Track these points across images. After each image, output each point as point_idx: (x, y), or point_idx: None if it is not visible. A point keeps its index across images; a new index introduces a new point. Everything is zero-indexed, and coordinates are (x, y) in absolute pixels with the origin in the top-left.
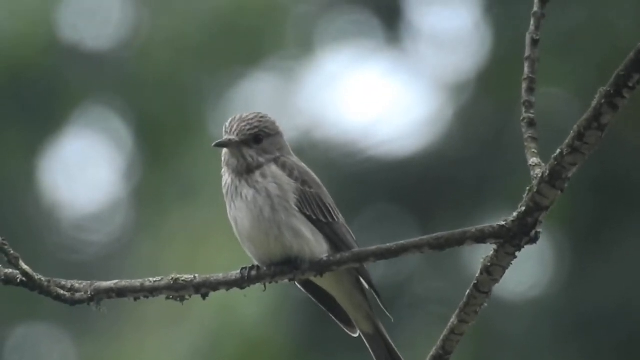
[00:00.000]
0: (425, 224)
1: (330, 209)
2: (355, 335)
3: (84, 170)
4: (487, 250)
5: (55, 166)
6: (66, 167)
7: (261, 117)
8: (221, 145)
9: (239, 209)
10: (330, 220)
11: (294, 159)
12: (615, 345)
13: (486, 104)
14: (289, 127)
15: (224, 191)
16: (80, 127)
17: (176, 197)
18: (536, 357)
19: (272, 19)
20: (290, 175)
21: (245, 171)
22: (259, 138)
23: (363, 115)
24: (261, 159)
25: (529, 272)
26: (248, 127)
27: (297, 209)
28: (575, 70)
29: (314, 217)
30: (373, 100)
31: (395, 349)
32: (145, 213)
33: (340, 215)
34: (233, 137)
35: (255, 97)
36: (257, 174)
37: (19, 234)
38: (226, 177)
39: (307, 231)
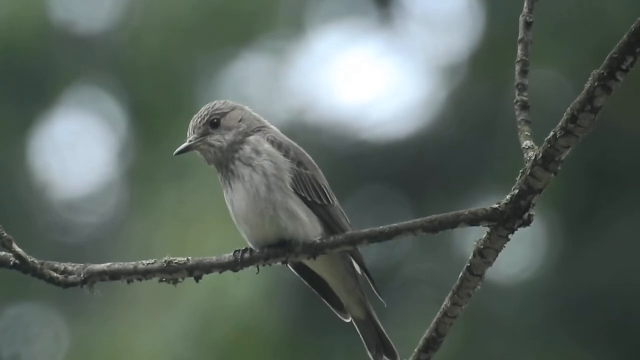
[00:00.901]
0: (419, 206)
1: (326, 191)
2: (348, 321)
3: (76, 151)
4: (479, 231)
5: (47, 146)
6: (58, 147)
7: (208, 104)
8: (182, 151)
9: (235, 190)
10: (325, 202)
11: (285, 137)
12: (607, 327)
13: (479, 86)
14: (280, 109)
15: (220, 180)
16: (72, 108)
17: (169, 178)
18: (527, 339)
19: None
20: (286, 155)
21: (225, 156)
22: (214, 122)
23: (355, 97)
24: (228, 137)
25: (520, 254)
26: (199, 119)
27: (292, 189)
28: (568, 51)
29: (309, 199)
30: (365, 81)
31: (386, 334)
32: (137, 194)
33: (335, 198)
34: (190, 137)
35: (247, 78)
36: (248, 149)
37: (10, 215)
38: (220, 171)
39: (302, 213)
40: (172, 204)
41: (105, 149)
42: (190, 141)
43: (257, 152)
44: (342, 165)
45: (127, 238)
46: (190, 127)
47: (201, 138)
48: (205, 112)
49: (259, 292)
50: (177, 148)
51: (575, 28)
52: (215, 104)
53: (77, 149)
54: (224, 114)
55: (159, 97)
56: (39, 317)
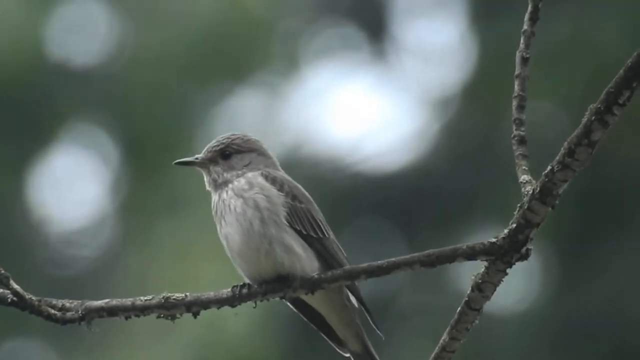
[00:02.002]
0: (413, 239)
1: (321, 224)
2: (347, 355)
3: (72, 186)
4: (475, 264)
5: (43, 182)
6: (54, 182)
7: (233, 134)
8: (183, 164)
9: (229, 223)
10: (321, 235)
11: (282, 173)
12: (604, 357)
13: (472, 117)
14: (275, 143)
15: (213, 212)
16: (68, 143)
17: (163, 211)
18: None
19: (257, 34)
20: (281, 189)
21: (214, 187)
22: (225, 154)
23: (349, 130)
24: (227, 175)
25: (516, 286)
26: (215, 144)
27: (287, 223)
28: (562, 83)
29: (305, 232)
30: (359, 115)
31: None
32: (132, 227)
33: (330, 232)
34: (198, 156)
35: (242, 113)
36: (242, 181)
37: (7, 250)
38: (214, 197)
39: (298, 247)
40: (167, 236)
41: (101, 183)
42: (195, 158)
43: (251, 185)
44: (337, 198)
45: (123, 271)
46: (206, 147)
47: (206, 163)
48: (224, 140)
49: (255, 325)
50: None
51: (570, 59)
52: (237, 137)
53: (72, 184)
54: (238, 152)
55: (153, 131)
56: (34, 351)
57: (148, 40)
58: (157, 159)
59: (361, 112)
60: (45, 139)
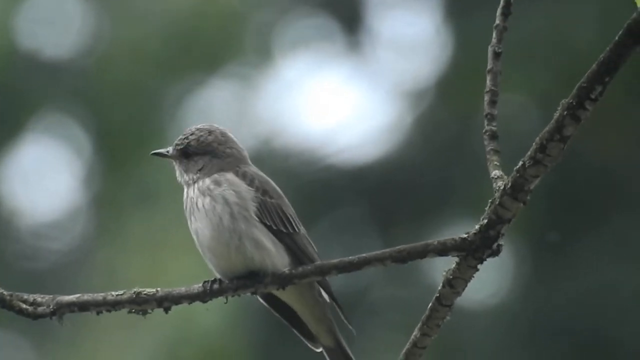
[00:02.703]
0: (387, 231)
1: (292, 219)
2: (319, 350)
3: (43, 178)
4: (447, 258)
5: (13, 173)
6: (24, 174)
7: (195, 130)
8: (156, 154)
9: (198, 219)
10: (291, 230)
11: (253, 168)
12: (574, 353)
13: (446, 111)
14: (248, 135)
15: (184, 206)
16: (39, 135)
17: (135, 204)
18: None
19: (230, 26)
20: (251, 184)
21: (184, 184)
22: (186, 153)
23: (323, 122)
24: (186, 177)
25: (487, 280)
26: (178, 141)
27: (257, 218)
28: (535, 78)
29: (275, 228)
30: (333, 107)
31: None
32: (103, 220)
33: (301, 226)
34: (170, 150)
35: (214, 105)
36: (208, 181)
37: None
38: (185, 191)
39: (268, 242)
40: (139, 230)
41: (72, 176)
42: (167, 151)
43: (218, 183)
44: (309, 190)
45: (94, 264)
46: (176, 139)
47: (174, 157)
48: (184, 140)
49: (226, 320)
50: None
51: (542, 54)
52: (193, 138)
53: (43, 176)
54: (195, 154)
55: (126, 123)
56: (6, 346)
57: (121, 33)
58: (129, 152)
59: (335, 104)
60: (16, 131)
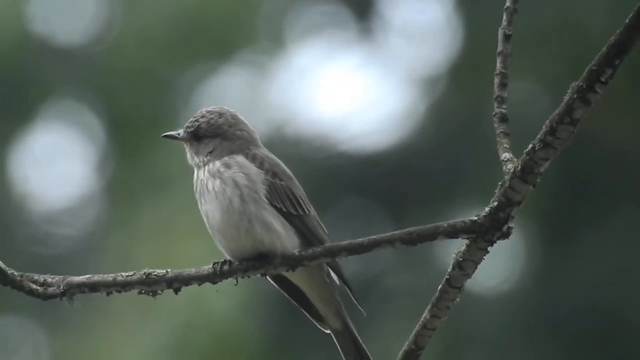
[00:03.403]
0: (398, 218)
1: (301, 201)
2: (328, 332)
3: (56, 163)
4: (458, 243)
5: (26, 159)
6: (37, 160)
7: (206, 112)
8: (167, 137)
9: (208, 201)
10: (301, 212)
11: (263, 150)
12: (586, 338)
13: (458, 97)
14: (260, 122)
15: (194, 188)
16: (52, 120)
17: (148, 191)
18: (506, 350)
19: (243, 12)
20: (261, 166)
21: (195, 166)
22: (197, 135)
23: (335, 109)
24: (196, 159)
25: (499, 266)
26: (189, 124)
27: (267, 201)
28: (546, 63)
29: (285, 210)
30: (345, 94)
31: (364, 346)
32: (116, 206)
33: (311, 208)
34: (181, 132)
35: (227, 91)
36: (218, 164)
37: None
38: (195, 173)
39: (278, 224)
40: (151, 216)
41: (84, 162)
42: (178, 134)
43: (227, 166)
44: (321, 177)
45: (106, 250)
46: (187, 122)
47: (185, 140)
48: (195, 122)
49: (237, 303)
50: (168, 132)
51: (554, 40)
52: (204, 120)
53: (56, 162)
54: (205, 136)
55: (138, 110)
56: (18, 329)
57: (134, 19)
58: (141, 138)
59: (347, 91)
60: (29, 116)
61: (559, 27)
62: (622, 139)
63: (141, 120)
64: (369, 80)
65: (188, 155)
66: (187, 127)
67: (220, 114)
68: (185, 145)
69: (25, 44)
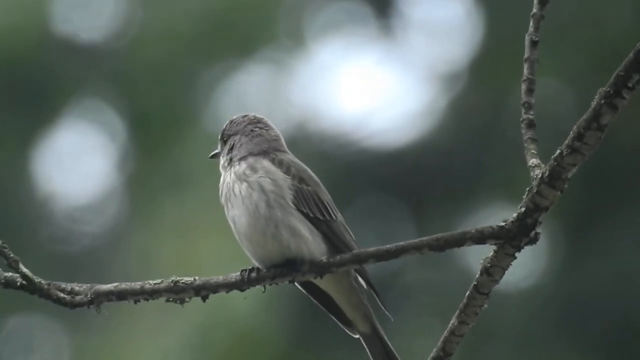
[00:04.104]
0: (419, 215)
1: (328, 206)
2: (356, 337)
3: (77, 162)
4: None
5: (48, 157)
6: (59, 158)
7: (230, 119)
8: (213, 157)
9: (235, 206)
10: (328, 218)
11: (289, 155)
12: (607, 335)
13: (479, 93)
14: (281, 119)
15: (220, 192)
16: (74, 119)
17: (169, 188)
18: (528, 347)
19: (263, 10)
20: (287, 172)
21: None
22: (224, 140)
23: (356, 106)
24: (222, 160)
25: (522, 263)
26: (221, 134)
27: (293, 206)
28: (568, 59)
29: (312, 215)
30: (366, 91)
31: (393, 349)
32: (137, 203)
33: (338, 213)
34: (218, 148)
35: (248, 89)
36: (244, 166)
37: (12, 225)
38: (222, 177)
39: (305, 230)
40: (172, 213)
41: (106, 160)
42: (217, 151)
43: (253, 169)
44: (342, 174)
45: (128, 247)
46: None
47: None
48: (223, 127)
49: (261, 304)
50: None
51: (576, 35)
52: (226, 123)
53: (78, 160)
54: (229, 137)
55: (159, 107)
56: (40, 328)
57: (154, 16)
58: (163, 136)
59: (368, 88)
60: (51, 115)
61: (580, 22)
62: None
63: (163, 117)
64: (389, 77)
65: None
66: (221, 135)
67: (244, 115)
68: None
69: (47, 42)
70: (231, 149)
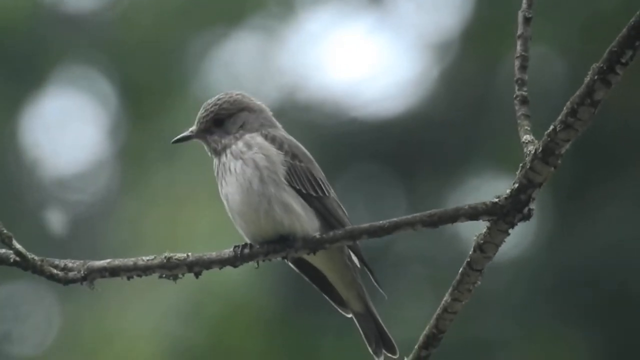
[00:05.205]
0: (410, 185)
1: (321, 183)
2: (349, 316)
3: (67, 129)
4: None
5: (37, 124)
6: (48, 125)
7: (219, 98)
8: (180, 140)
9: (229, 183)
10: (321, 194)
11: (282, 131)
12: (596, 305)
13: (471, 63)
14: (271, 88)
15: (215, 173)
16: (63, 86)
17: (160, 157)
18: (516, 316)
19: None
20: (280, 148)
21: (216, 154)
22: (219, 121)
23: (347, 75)
24: (224, 141)
25: (511, 232)
26: (204, 113)
27: (286, 182)
28: (558, 29)
29: (304, 191)
30: (356, 60)
31: (385, 329)
32: (128, 173)
33: (331, 190)
34: (193, 129)
35: (237, 57)
36: (240, 144)
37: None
38: (214, 161)
39: (298, 206)
40: (163, 183)
41: (96, 128)
42: (191, 131)
43: (249, 146)
44: (332, 144)
45: (118, 217)
46: (197, 117)
47: (201, 134)
48: (211, 108)
49: (250, 270)
50: (177, 136)
51: (565, 5)
52: (224, 101)
53: (67, 127)
54: (229, 115)
55: (149, 76)
56: (30, 295)
57: None
58: (154, 104)
59: (358, 56)
60: (40, 82)
61: None
62: (633, 103)
63: (153, 85)
64: (380, 46)
65: (208, 148)
66: (202, 118)
67: (234, 94)
68: (202, 140)
69: (37, 9)
70: (241, 125)
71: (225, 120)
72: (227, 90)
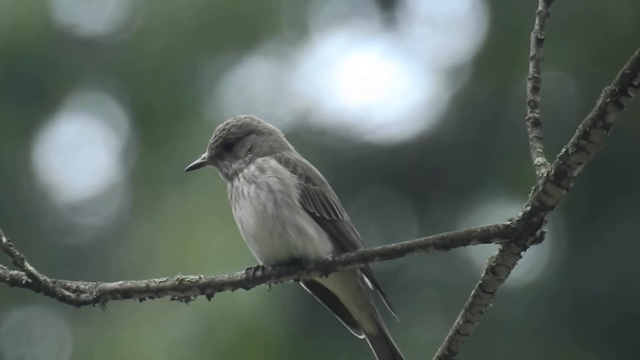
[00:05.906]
0: (422, 209)
1: (335, 206)
2: (362, 337)
3: (80, 153)
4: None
5: (50, 149)
6: (61, 149)
7: (227, 123)
8: (193, 168)
9: (242, 207)
10: (334, 217)
11: (295, 154)
12: (610, 329)
13: (483, 87)
14: (284, 112)
15: (228, 197)
16: (76, 110)
17: (172, 180)
18: (531, 341)
19: (267, 2)
20: (294, 171)
21: (229, 179)
22: (228, 146)
23: (359, 99)
24: (235, 165)
25: (524, 257)
26: (214, 139)
27: (300, 205)
28: (571, 52)
29: (318, 215)
30: (369, 84)
31: (398, 350)
32: (140, 196)
33: (344, 213)
34: (204, 156)
35: (251, 81)
36: (252, 168)
37: (13, 217)
38: (227, 186)
39: (311, 229)
40: (175, 206)
41: (108, 152)
42: (203, 158)
43: (262, 170)
44: (346, 167)
45: (131, 240)
46: (208, 143)
47: (214, 160)
48: (220, 134)
49: (262, 295)
50: (189, 163)
51: (578, 28)
52: (231, 126)
53: (80, 152)
54: (238, 139)
55: (162, 100)
56: (42, 319)
57: (158, 7)
58: (166, 128)
59: (371, 80)
60: (53, 106)
61: (582, 14)
62: None
63: (165, 109)
64: (393, 69)
65: (221, 173)
66: (212, 144)
67: (243, 117)
68: (215, 166)
69: (49, 34)
70: (249, 149)
71: (234, 145)
72: (237, 115)
